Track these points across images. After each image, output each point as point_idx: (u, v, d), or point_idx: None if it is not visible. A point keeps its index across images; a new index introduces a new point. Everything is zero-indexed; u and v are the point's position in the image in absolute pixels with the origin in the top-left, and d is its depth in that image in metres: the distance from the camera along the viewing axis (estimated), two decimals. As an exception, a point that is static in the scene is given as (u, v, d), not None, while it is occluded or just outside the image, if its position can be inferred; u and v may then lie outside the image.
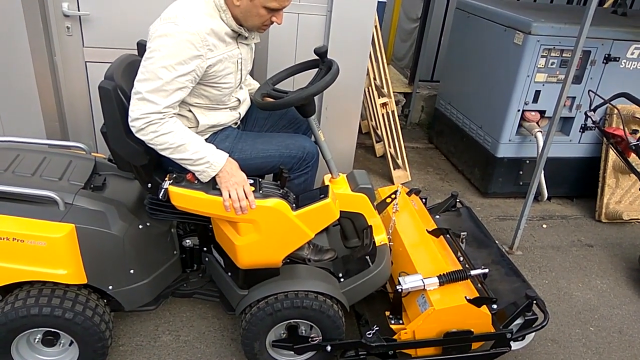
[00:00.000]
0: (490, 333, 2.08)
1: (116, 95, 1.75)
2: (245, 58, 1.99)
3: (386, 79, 3.88)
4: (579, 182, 3.87)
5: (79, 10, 2.73)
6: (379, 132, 4.12)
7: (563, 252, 3.33)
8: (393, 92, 3.92)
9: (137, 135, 1.75)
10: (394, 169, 3.95)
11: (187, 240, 2.21)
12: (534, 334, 2.21)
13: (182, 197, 1.84)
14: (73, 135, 3.03)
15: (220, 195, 1.83)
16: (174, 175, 1.87)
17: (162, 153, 1.80)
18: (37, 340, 1.96)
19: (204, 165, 1.81)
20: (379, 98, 3.85)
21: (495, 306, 2.12)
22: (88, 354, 1.96)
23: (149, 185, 1.96)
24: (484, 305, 2.05)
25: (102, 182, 2.08)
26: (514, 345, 2.17)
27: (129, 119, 1.73)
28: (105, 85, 1.73)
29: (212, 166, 1.82)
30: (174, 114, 1.79)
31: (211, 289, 2.31)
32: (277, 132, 2.25)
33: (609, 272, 3.17)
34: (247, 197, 1.83)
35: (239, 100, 2.05)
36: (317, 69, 2.06)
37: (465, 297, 2.05)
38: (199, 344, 2.33)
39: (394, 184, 3.84)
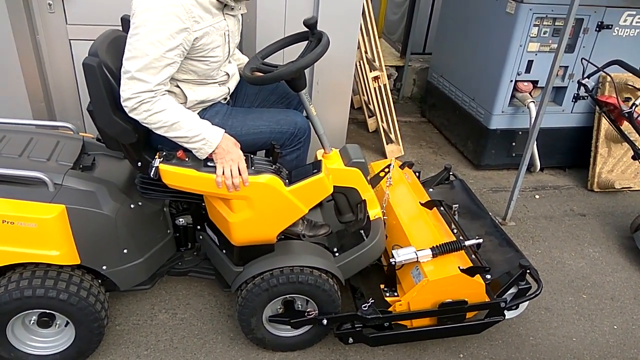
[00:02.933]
0: (485, 302, 2.11)
1: (101, 71, 1.70)
2: (233, 30, 1.94)
3: (378, 52, 3.83)
4: (571, 152, 3.87)
5: (59, -14, 2.65)
6: (371, 106, 4.08)
7: (556, 222, 3.35)
8: (385, 65, 3.88)
9: (131, 115, 1.72)
10: (387, 144, 3.93)
11: (181, 219, 2.20)
12: (527, 302, 2.24)
13: (173, 175, 1.82)
14: (60, 116, 2.98)
15: (213, 172, 1.81)
16: (164, 153, 1.84)
17: (157, 132, 1.77)
18: (32, 322, 1.96)
19: (200, 143, 1.78)
20: (371, 72, 3.80)
21: (489, 276, 2.14)
22: (84, 334, 1.96)
23: (139, 163, 1.93)
24: (478, 275, 2.07)
25: (92, 162, 2.05)
26: (508, 314, 2.20)
27: (121, 100, 1.70)
28: (90, 61, 1.69)
29: (209, 143, 1.79)
30: (166, 91, 1.76)
31: (206, 267, 2.30)
32: (267, 108, 2.21)
33: (601, 241, 3.20)
34: (240, 175, 1.81)
35: (227, 74, 2.01)
36: (307, 42, 2.02)
37: (459, 267, 2.06)
38: (195, 321, 2.34)
39: (387, 159, 3.83)
